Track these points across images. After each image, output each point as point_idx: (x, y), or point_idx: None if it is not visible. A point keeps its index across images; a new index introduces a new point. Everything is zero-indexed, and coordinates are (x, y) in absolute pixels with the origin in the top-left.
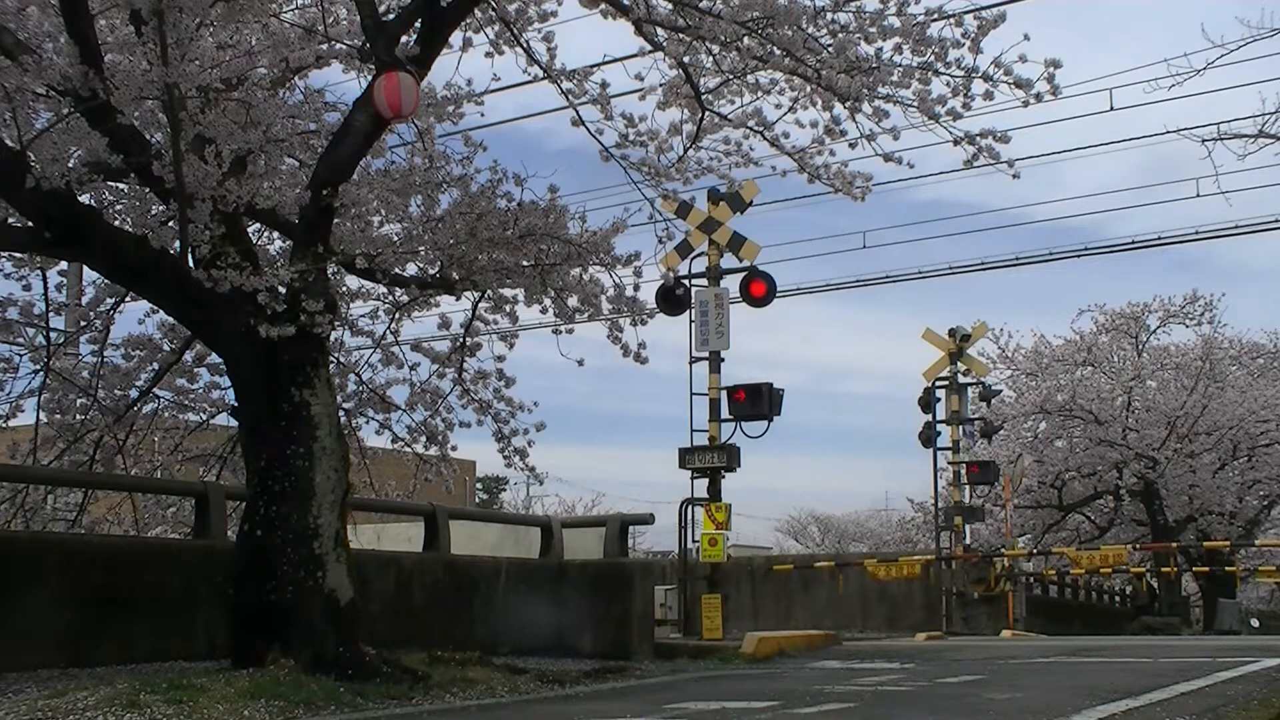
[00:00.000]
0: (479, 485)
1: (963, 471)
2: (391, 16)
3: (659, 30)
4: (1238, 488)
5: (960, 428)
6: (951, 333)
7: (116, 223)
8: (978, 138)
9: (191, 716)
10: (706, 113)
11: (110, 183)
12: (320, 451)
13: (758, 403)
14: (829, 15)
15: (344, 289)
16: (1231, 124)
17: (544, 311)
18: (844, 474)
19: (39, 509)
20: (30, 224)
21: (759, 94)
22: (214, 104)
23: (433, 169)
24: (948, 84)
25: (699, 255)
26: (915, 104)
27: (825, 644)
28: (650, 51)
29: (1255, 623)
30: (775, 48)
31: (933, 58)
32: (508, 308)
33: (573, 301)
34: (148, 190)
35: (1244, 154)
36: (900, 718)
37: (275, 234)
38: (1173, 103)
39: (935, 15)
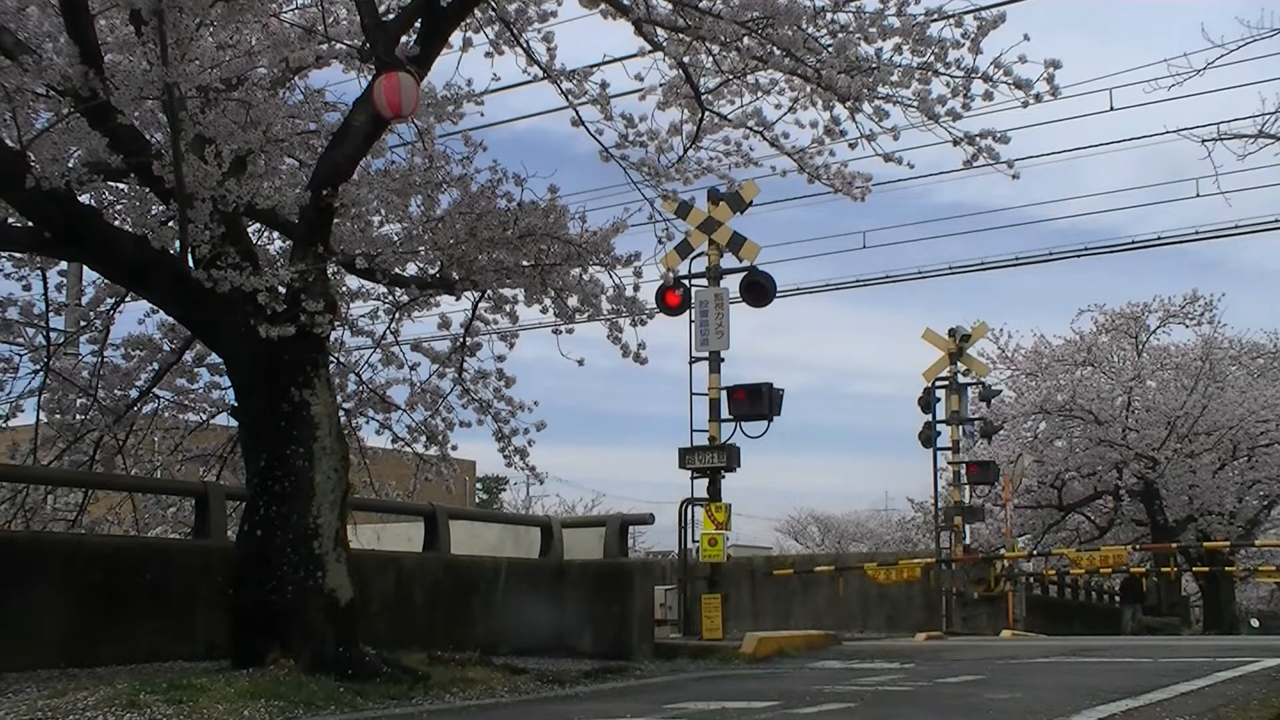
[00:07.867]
0: (479, 485)
1: (963, 471)
2: (391, 16)
3: (659, 30)
4: (1238, 488)
5: (960, 428)
6: (951, 333)
7: (116, 223)
8: (977, 138)
9: (191, 716)
10: (706, 113)
11: (110, 183)
12: (320, 451)
13: (757, 403)
14: (829, 15)
15: (344, 289)
16: (1231, 124)
17: (544, 311)
18: (844, 474)
19: (39, 509)
20: (30, 224)
21: (759, 94)
22: (214, 104)
23: (433, 169)
24: (947, 84)
25: (699, 255)
26: (915, 104)
27: (825, 644)
28: (650, 51)
29: (1255, 623)
30: (775, 48)
31: (932, 58)
32: (508, 308)
33: (573, 301)
34: (148, 190)
35: (1244, 154)
36: (901, 718)
37: (275, 234)
38: (1173, 103)
39: (935, 15)
